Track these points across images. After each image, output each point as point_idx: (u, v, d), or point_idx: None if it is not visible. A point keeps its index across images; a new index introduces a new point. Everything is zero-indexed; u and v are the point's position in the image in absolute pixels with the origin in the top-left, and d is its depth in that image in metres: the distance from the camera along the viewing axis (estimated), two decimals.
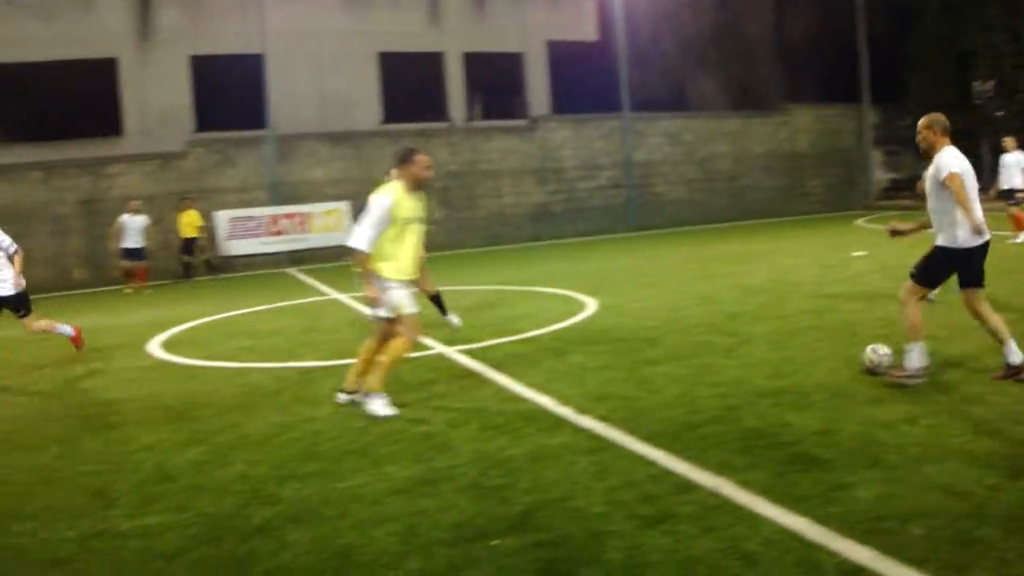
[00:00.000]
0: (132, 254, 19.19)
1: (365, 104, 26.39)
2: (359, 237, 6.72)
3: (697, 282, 13.80)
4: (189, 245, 21.74)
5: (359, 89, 26.31)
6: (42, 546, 4.68)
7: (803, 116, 31.92)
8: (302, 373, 8.77)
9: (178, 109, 24.44)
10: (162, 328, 12.60)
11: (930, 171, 6.65)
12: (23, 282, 10.16)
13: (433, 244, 23.25)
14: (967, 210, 6.32)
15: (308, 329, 11.79)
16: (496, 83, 29.44)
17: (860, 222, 23.75)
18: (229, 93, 24.56)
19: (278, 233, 23.17)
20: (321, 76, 25.50)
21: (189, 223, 21.58)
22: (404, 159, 7.04)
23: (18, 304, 10.19)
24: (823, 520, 4.19)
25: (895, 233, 7.12)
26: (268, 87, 24.09)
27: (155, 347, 11.06)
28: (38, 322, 10.53)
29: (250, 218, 23.29)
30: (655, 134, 29.52)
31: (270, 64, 24.00)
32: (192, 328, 12.62)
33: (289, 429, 6.58)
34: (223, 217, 23.15)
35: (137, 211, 19.51)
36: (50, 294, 19.91)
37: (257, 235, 23.29)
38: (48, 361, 10.69)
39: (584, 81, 28.57)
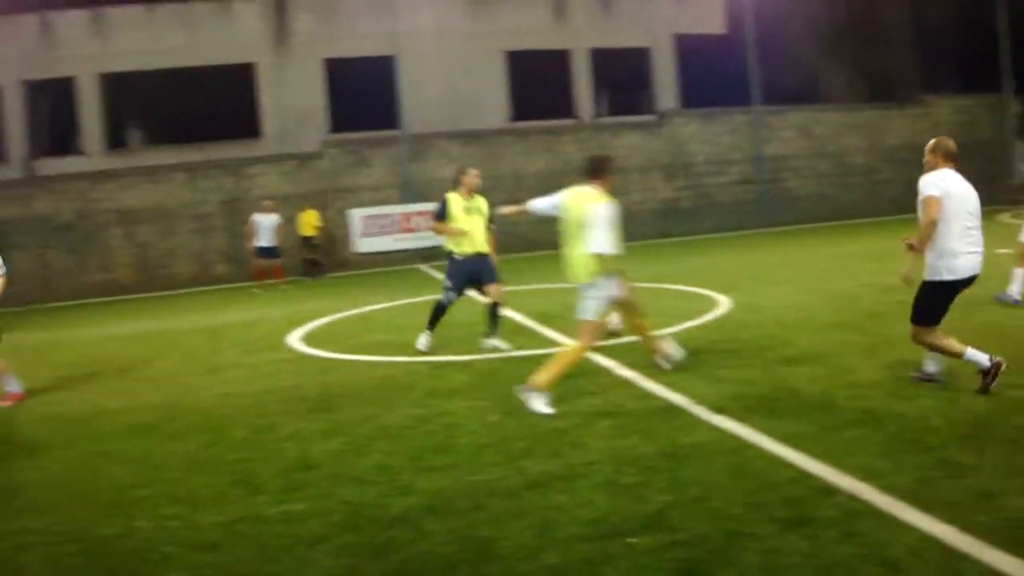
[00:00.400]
0: (266, 252, 19.86)
1: (493, 103, 26.62)
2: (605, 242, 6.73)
3: (833, 280, 13.37)
4: (307, 243, 22.45)
5: (487, 88, 26.56)
6: (192, 529, 4.89)
7: (941, 107, 30.46)
8: (435, 367, 8.90)
9: (313, 111, 25.19)
10: (301, 323, 13.02)
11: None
12: None
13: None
14: (920, 236, 6.18)
15: (440, 323, 11.93)
16: (623, 78, 29.23)
17: (1005, 217, 22.58)
18: (362, 94, 25.16)
19: (410, 230, 23.60)
20: (450, 76, 25.85)
21: (307, 222, 22.29)
22: (598, 169, 7.26)
23: None
24: (969, 528, 4.01)
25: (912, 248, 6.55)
26: (400, 88, 24.55)
27: (295, 341, 11.43)
28: None
29: (383, 216, 23.81)
30: (786, 128, 28.74)
31: (401, 65, 24.45)
32: (329, 323, 12.97)
33: (424, 422, 6.69)
34: (357, 215, 23.74)
35: (269, 210, 20.17)
36: (194, 288, 20.92)
37: (390, 232, 23.78)
38: (197, 352, 11.20)
39: (712, 74, 28.01)
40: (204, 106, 25.17)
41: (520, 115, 26.82)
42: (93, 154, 24.80)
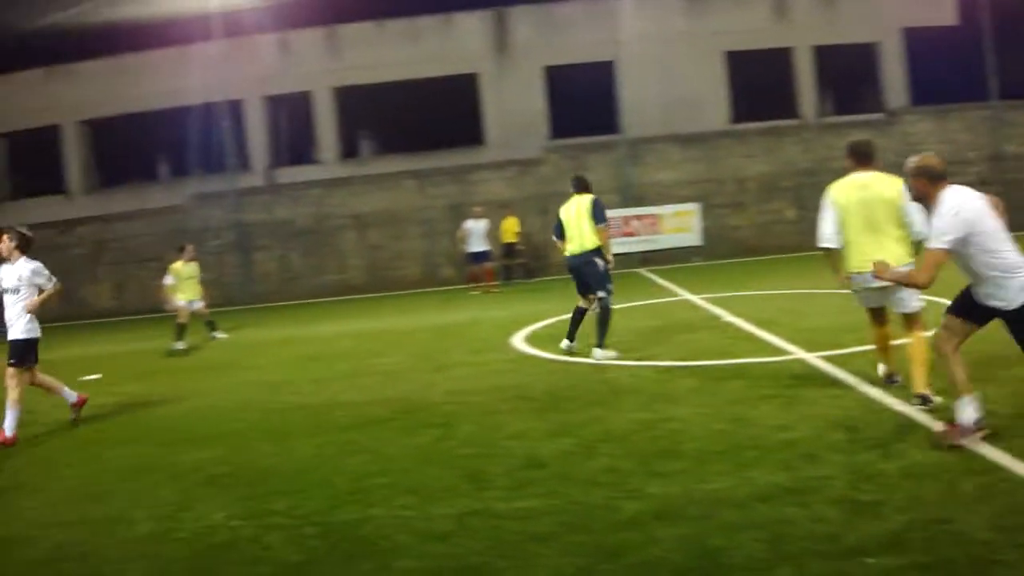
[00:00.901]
0: (478, 257, 20.34)
1: (713, 104, 26.05)
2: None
3: None
4: (509, 249, 22.83)
5: (706, 89, 26.02)
6: (425, 520, 4.98)
7: None
8: (660, 372, 8.73)
9: (534, 118, 25.56)
10: (523, 324, 13.18)
11: None
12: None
13: (787, 245, 22.68)
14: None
15: (661, 329, 11.77)
16: (849, 75, 27.83)
17: None
18: (581, 100, 25.29)
19: (630, 234, 23.45)
20: (668, 78, 25.51)
21: (508, 229, 22.63)
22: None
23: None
24: None
25: None
26: (619, 92, 24.50)
27: (518, 341, 11.58)
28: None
29: None
30: None
31: (620, 70, 24.39)
32: (551, 325, 13.03)
33: (650, 427, 6.54)
34: None
35: (480, 216, 20.62)
36: (420, 290, 21.67)
37: (610, 236, 23.69)
38: (424, 350, 11.55)
39: (945, 69, 26.17)
40: (430, 116, 26.12)
41: (741, 116, 26.12)
42: (328, 163, 26.28)
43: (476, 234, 20.34)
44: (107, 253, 26.10)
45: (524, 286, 21.63)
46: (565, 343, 10.19)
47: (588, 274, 9.89)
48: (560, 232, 10.22)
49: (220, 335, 15.76)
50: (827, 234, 6.88)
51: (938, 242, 5.39)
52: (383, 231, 23.14)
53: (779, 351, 9.16)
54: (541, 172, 24.34)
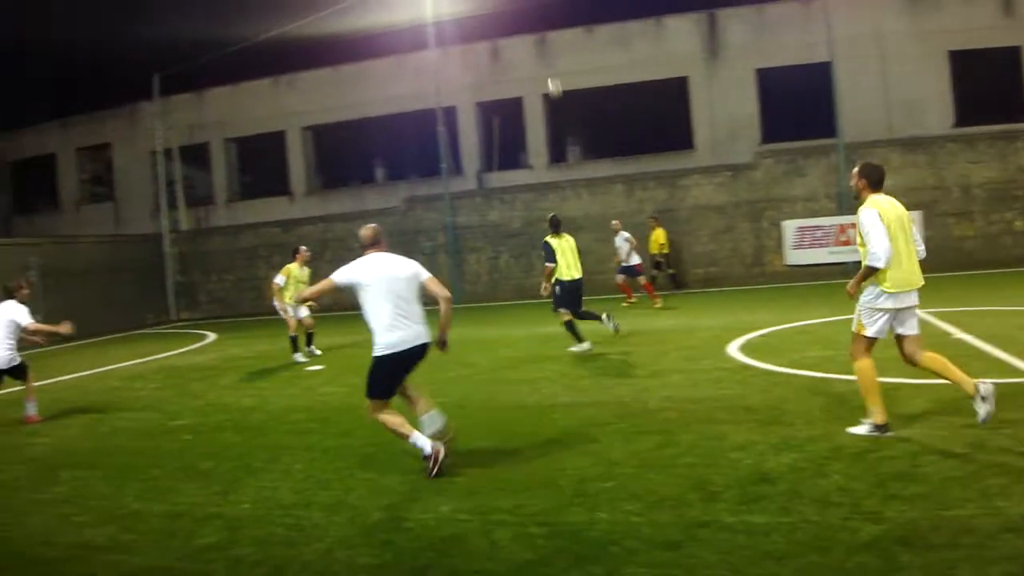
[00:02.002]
0: (628, 270, 19.97)
1: (935, 107, 24.51)
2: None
3: None
4: (657, 260, 22.46)
5: (928, 91, 24.50)
6: (652, 527, 4.95)
7: None
8: (889, 389, 8.27)
9: (745, 121, 24.93)
10: (738, 333, 12.83)
11: None
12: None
13: (1018, 258, 21.07)
14: None
15: (886, 343, 11.16)
16: None
17: None
18: (795, 103, 24.43)
19: (846, 243, 22.43)
20: (887, 80, 24.22)
21: (655, 240, 22.24)
22: None
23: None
24: None
25: None
26: (835, 95, 23.53)
27: (734, 350, 11.31)
28: None
29: (818, 228, 22.92)
30: None
31: (836, 71, 23.42)
32: (767, 335, 12.66)
33: (883, 446, 6.22)
34: (790, 227, 23.07)
35: (619, 229, 20.14)
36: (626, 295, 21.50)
37: (824, 245, 22.83)
38: (639, 356, 11.49)
39: None
40: (639, 120, 25.99)
41: (966, 119, 24.43)
42: (538, 167, 26.64)
43: (623, 247, 20.00)
44: (328, 252, 27.54)
45: (675, 298, 21.26)
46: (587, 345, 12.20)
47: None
48: (552, 257, 12.38)
49: (315, 351, 15.13)
50: None
51: None
52: (592, 235, 23.15)
53: (1018, 372, 8.52)
54: (754, 177, 23.70)
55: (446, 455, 6.39)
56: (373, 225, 7.03)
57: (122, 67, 30.48)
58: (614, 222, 20.72)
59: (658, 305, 18.64)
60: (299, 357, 14.38)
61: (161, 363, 15.55)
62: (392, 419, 6.60)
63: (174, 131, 31.07)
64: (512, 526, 5.15)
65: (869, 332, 6.66)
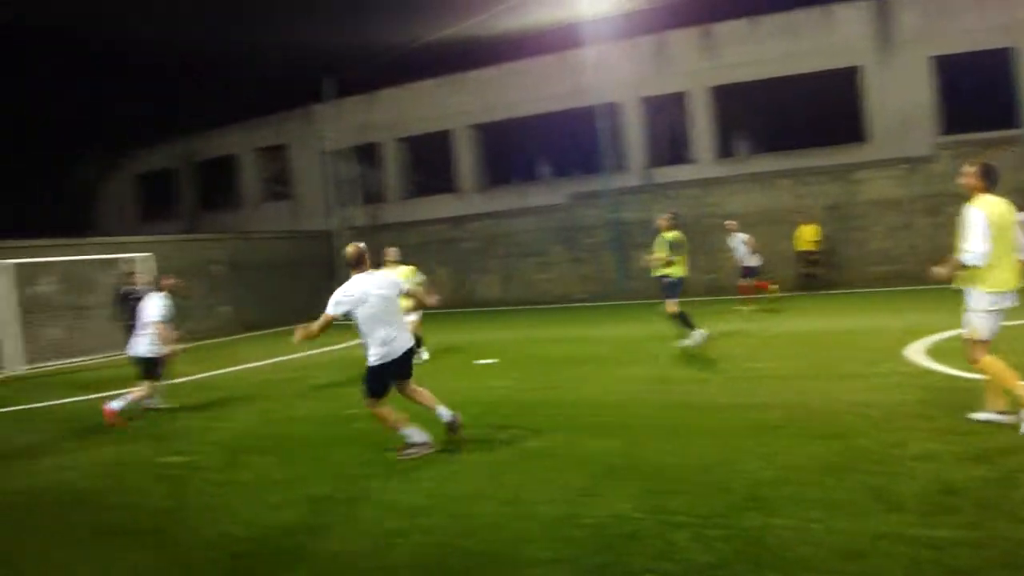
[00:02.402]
0: (750, 272, 19.52)
1: None
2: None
3: None
4: (805, 257, 22.09)
5: None
6: (831, 534, 4.91)
7: None
8: None
9: (920, 112, 23.80)
10: (919, 335, 12.31)
11: None
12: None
13: None
14: None
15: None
16: None
17: None
18: (975, 92, 23.15)
19: None
20: None
21: (805, 237, 21.93)
22: None
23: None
24: None
25: None
26: (1019, 82, 22.16)
27: (916, 354, 10.88)
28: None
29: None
30: None
31: (1020, 57, 22.04)
32: (949, 337, 12.08)
33: None
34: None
35: (734, 230, 19.90)
36: (790, 294, 21.03)
37: None
38: (814, 356, 11.25)
39: None
40: (807, 112, 25.21)
41: None
42: (704, 162, 26.28)
43: (739, 248, 19.63)
44: (495, 247, 28.11)
45: (819, 297, 20.78)
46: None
47: None
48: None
49: (423, 355, 14.54)
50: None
51: None
52: (759, 231, 22.66)
53: None
54: (933, 170, 22.61)
55: (430, 448, 7.52)
56: (358, 244, 7.77)
57: (297, 71, 31.95)
58: (728, 222, 20.46)
59: (747, 308, 18.62)
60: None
61: (333, 354, 16.26)
62: (388, 413, 7.65)
63: (346, 132, 32.35)
64: (689, 527, 5.19)
65: (985, 336, 6.97)
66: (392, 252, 14.40)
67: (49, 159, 40.70)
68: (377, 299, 7.45)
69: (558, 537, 5.26)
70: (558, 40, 27.72)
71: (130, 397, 10.63)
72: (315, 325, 7.52)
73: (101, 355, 19.54)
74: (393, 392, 7.79)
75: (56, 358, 19.99)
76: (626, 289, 24.92)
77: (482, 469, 6.99)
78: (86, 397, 13.58)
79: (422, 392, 7.96)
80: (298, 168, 34.67)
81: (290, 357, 16.44)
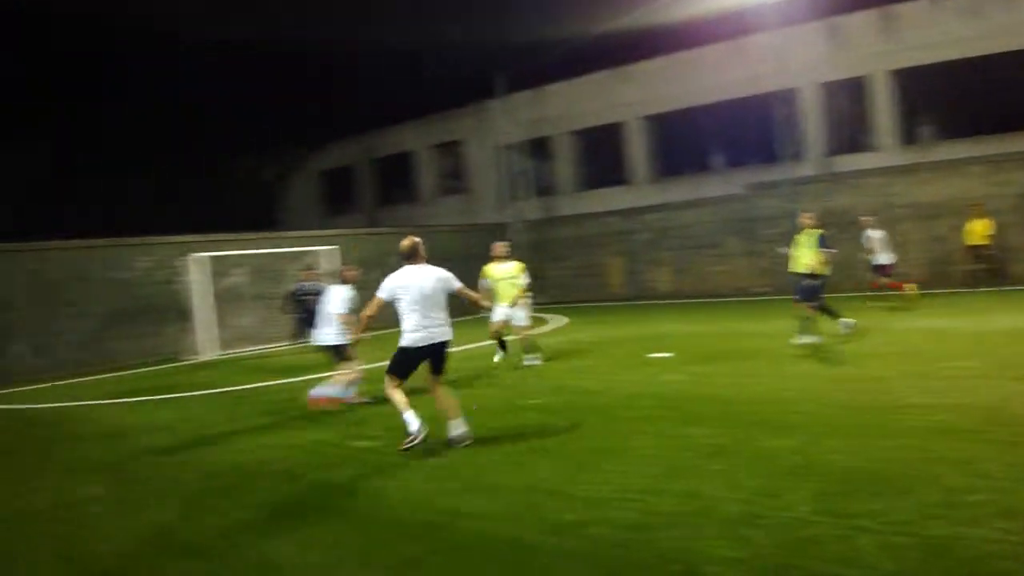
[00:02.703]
0: (880, 269, 18.71)
1: None
2: None
3: None
4: (976, 252, 21.01)
5: None
6: None
7: None
8: None
9: None
10: None
11: None
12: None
13: None
14: None
15: None
16: None
17: None
18: None
19: None
20: None
21: (976, 231, 20.81)
22: None
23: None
24: None
25: None
26: None
27: None
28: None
29: None
30: None
31: None
32: None
33: None
34: None
35: (871, 225, 19.02)
36: (985, 289, 19.88)
37: None
38: (1003, 355, 10.63)
39: None
40: (999, 95, 23.63)
41: None
42: (886, 149, 25.14)
43: (878, 243, 18.66)
44: (667, 239, 27.82)
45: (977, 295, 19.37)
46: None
47: None
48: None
49: (533, 361, 13.91)
50: None
51: None
52: (948, 222, 21.49)
53: None
54: None
55: (422, 441, 7.96)
56: (413, 239, 8.47)
57: (470, 68, 32.62)
58: (864, 218, 19.62)
59: (872, 304, 18.01)
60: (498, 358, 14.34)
61: (512, 343, 16.48)
62: (398, 396, 8.21)
63: (519, 126, 32.76)
64: (875, 533, 5.01)
65: None
66: (500, 247, 14.44)
67: (239, 159, 43.33)
68: (416, 290, 8.16)
69: (735, 536, 5.19)
70: (731, 27, 27.18)
71: (338, 385, 11.26)
72: (367, 310, 8.42)
73: (286, 343, 20.63)
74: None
75: (246, 345, 21.29)
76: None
77: (658, 463, 6.97)
78: (277, 382, 14.42)
79: (446, 398, 8.41)
80: (472, 163, 35.41)
81: (472, 346, 16.77)
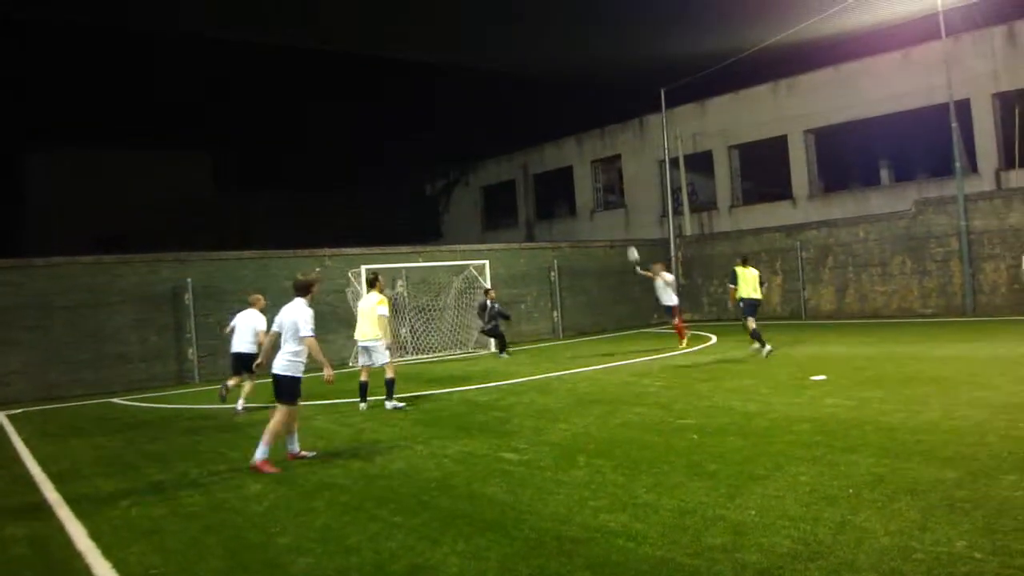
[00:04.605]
0: None
1: None
2: None
3: None
4: None
5: None
6: None
7: None
8: None
9: None
10: None
11: None
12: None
13: None
14: None
15: None
16: None
17: None
18: None
19: None
20: None
21: None
22: None
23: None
24: None
25: None
26: None
27: None
28: None
29: None
30: None
31: None
32: None
33: None
34: None
35: None
36: None
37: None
38: None
39: None
40: None
41: None
42: None
43: None
44: (830, 257, 26.97)
45: None
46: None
47: None
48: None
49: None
50: None
51: None
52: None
53: None
54: None
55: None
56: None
57: (631, 83, 32.63)
58: None
59: None
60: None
61: (666, 361, 16.43)
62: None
63: (679, 140, 32.54)
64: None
65: None
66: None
67: (407, 176, 45.09)
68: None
69: (887, 570, 5.03)
70: (900, 36, 26.18)
71: None
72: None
73: (445, 352, 21.15)
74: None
75: (406, 355, 21.98)
76: (978, 304, 22.99)
77: (810, 490, 6.83)
78: (435, 392, 14.86)
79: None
80: (631, 177, 35.41)
81: (625, 363, 16.82)
